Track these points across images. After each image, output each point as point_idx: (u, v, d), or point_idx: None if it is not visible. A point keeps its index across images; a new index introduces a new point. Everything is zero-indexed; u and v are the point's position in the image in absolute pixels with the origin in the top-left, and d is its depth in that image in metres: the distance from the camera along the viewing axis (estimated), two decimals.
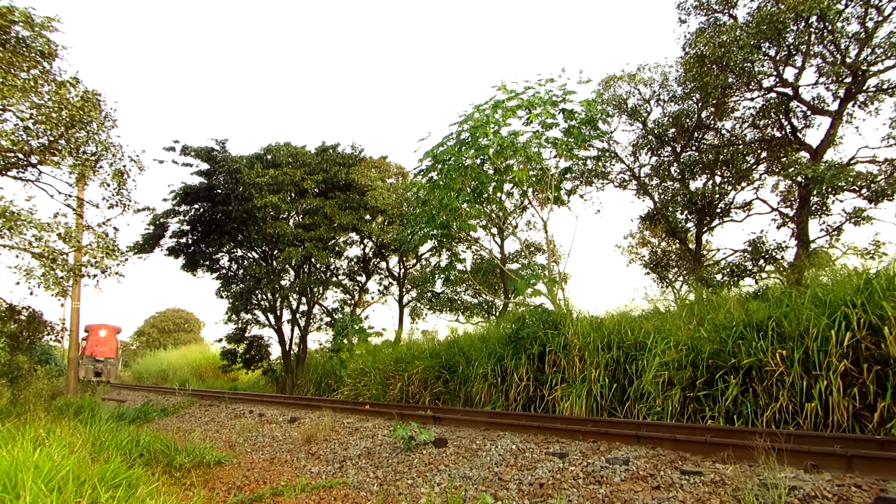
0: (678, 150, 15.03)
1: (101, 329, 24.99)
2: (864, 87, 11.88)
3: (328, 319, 23.22)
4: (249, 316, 22.92)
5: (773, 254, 12.98)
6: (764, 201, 14.41)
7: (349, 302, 23.91)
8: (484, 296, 21.45)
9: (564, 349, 9.39)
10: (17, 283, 10.18)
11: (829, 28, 11.51)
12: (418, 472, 5.95)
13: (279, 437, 9.02)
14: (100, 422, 9.17)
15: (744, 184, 14.58)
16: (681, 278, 16.60)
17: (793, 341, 6.80)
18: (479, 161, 12.45)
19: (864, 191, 11.19)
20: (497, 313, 20.97)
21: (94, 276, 11.02)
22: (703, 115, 14.21)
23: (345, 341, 16.62)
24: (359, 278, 23.82)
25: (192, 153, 19.62)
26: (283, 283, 21.71)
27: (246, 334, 23.03)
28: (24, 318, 11.92)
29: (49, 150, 10.12)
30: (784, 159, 13.21)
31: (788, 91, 12.53)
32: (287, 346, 21.80)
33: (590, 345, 9.12)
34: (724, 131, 14.64)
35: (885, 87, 11.97)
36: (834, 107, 12.28)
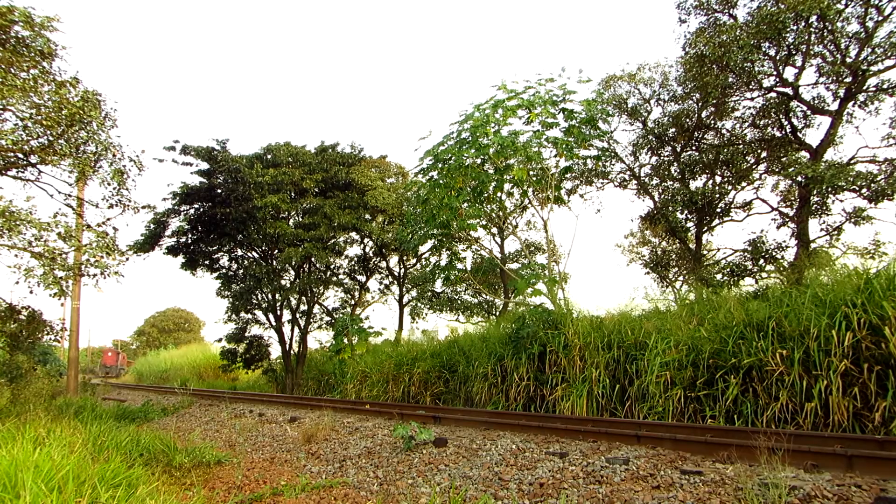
0: (678, 149, 15.03)
1: (110, 351, 46.60)
2: (864, 87, 11.88)
3: (328, 319, 23.23)
4: (249, 315, 22.95)
5: (773, 253, 12.98)
6: (764, 201, 14.43)
7: (349, 301, 23.92)
8: (484, 295, 21.45)
9: (565, 349, 9.40)
10: (17, 283, 10.18)
11: (829, 28, 11.51)
12: (418, 471, 5.95)
13: (279, 436, 9.02)
14: (100, 421, 9.17)
15: (744, 183, 14.59)
16: (681, 278, 16.60)
17: (793, 341, 6.80)
18: (479, 160, 12.45)
19: (864, 190, 11.20)
20: (497, 313, 20.98)
21: (94, 275, 11.01)
22: (703, 114, 14.21)
23: (345, 341, 16.61)
24: (359, 278, 23.82)
25: (193, 152, 19.62)
26: (283, 282, 21.71)
27: (246, 334, 23.05)
28: (24, 317, 11.90)
29: (49, 149, 10.10)
30: (784, 159, 13.21)
31: (788, 91, 12.52)
32: (287, 346, 21.81)
33: (590, 344, 9.12)
34: (724, 131, 14.64)
35: (885, 86, 11.98)
36: (834, 107, 12.28)
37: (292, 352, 21.94)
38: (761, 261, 13.07)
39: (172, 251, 21.31)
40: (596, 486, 4.71)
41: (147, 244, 20.17)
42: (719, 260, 15.20)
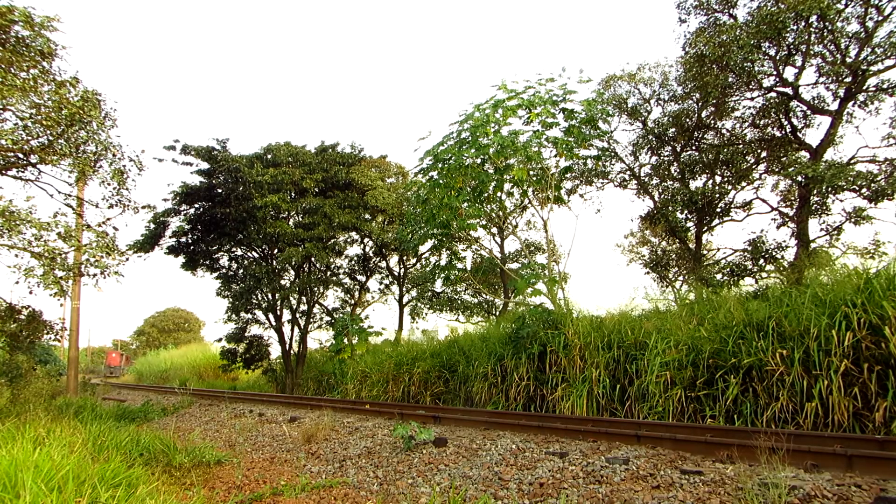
0: (678, 149, 15.03)
1: (114, 353, 49.72)
2: (864, 87, 11.88)
3: (328, 319, 23.23)
4: (249, 315, 22.94)
5: (773, 253, 12.98)
6: (764, 201, 14.43)
7: (349, 301, 23.91)
8: (484, 295, 21.45)
9: (565, 349, 9.39)
10: (17, 283, 10.17)
11: (829, 28, 11.51)
12: (418, 471, 5.95)
13: (279, 436, 9.02)
14: (100, 421, 9.17)
15: (744, 183, 14.59)
16: (681, 278, 16.60)
17: (793, 341, 6.80)
18: (479, 160, 12.45)
19: (864, 190, 11.20)
20: (497, 313, 20.97)
21: (94, 275, 11.01)
22: (703, 114, 14.21)
23: (345, 341, 16.62)
24: (359, 277, 23.82)
25: (193, 152, 19.62)
26: (283, 282, 21.72)
27: (246, 334, 23.04)
28: (24, 317, 11.90)
29: (49, 149, 10.10)
30: (784, 159, 13.21)
31: (788, 91, 12.52)
32: (287, 346, 21.80)
33: (590, 344, 9.12)
34: (724, 131, 14.64)
35: (885, 86, 11.98)
36: (834, 106, 12.28)
37: (292, 352, 21.93)
38: (761, 261, 13.08)
39: (172, 251, 21.31)
40: (596, 486, 4.71)
41: (147, 244, 20.17)
42: (719, 260, 15.21)
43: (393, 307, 24.21)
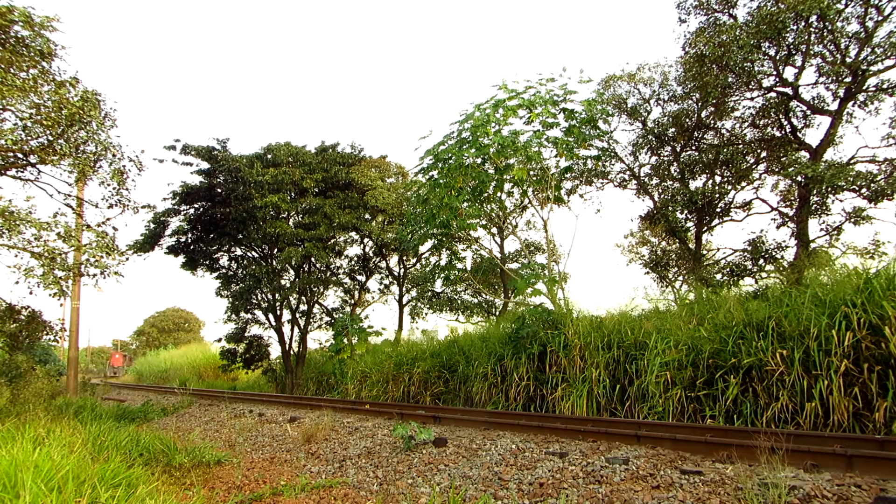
0: (678, 149, 15.03)
1: (116, 354, 51.68)
2: (864, 87, 11.88)
3: (328, 319, 23.23)
4: (249, 315, 22.93)
5: (773, 253, 12.98)
6: (764, 201, 14.43)
7: (349, 301, 23.91)
8: (484, 295, 21.46)
9: (565, 349, 9.39)
10: (17, 283, 10.18)
11: (829, 28, 11.51)
12: (418, 471, 5.95)
13: (279, 436, 9.02)
14: (100, 421, 9.17)
15: (744, 183, 14.59)
16: (681, 278, 16.60)
17: (793, 341, 6.80)
18: (479, 160, 12.45)
19: (863, 190, 11.20)
20: (497, 313, 20.97)
21: (94, 275, 11.01)
22: (703, 114, 14.21)
23: (345, 341, 16.61)
24: (359, 277, 23.82)
25: (193, 152, 19.62)
26: (282, 282, 21.72)
27: (246, 334, 23.04)
28: (24, 317, 11.90)
29: (48, 149, 10.10)
30: (784, 159, 13.21)
31: (788, 91, 12.52)
32: (287, 346, 21.80)
33: (590, 344, 9.12)
34: (723, 131, 14.64)
35: (885, 86, 11.98)
36: (834, 106, 12.28)
37: (292, 352, 21.92)
38: (761, 261, 13.08)
39: (172, 251, 21.30)
40: (596, 486, 4.71)
41: (147, 244, 20.16)
42: (719, 260, 15.21)
43: (393, 307, 24.23)
